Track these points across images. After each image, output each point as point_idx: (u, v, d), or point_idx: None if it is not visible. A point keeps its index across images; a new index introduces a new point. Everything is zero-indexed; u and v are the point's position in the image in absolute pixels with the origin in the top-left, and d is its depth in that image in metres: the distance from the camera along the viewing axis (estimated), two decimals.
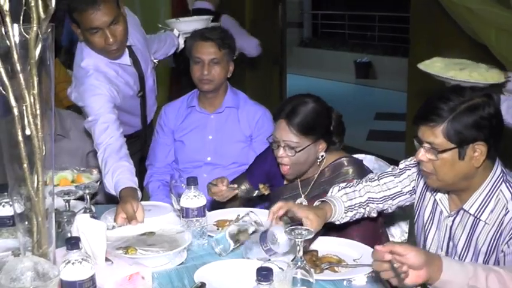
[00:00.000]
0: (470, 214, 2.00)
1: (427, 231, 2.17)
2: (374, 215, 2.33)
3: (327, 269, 2.05)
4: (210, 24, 3.72)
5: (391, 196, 2.28)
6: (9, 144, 1.67)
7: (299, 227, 1.79)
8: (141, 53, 3.21)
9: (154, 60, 3.49)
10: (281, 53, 7.48)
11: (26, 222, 1.72)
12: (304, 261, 1.78)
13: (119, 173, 2.57)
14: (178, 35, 3.69)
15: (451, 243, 2.09)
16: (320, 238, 2.21)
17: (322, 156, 2.56)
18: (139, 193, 2.54)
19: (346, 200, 2.25)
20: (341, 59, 14.25)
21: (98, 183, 2.71)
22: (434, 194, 2.14)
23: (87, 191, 2.35)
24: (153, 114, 3.56)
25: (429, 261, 1.70)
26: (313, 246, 2.17)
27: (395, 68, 11.22)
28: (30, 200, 1.68)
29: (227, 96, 3.16)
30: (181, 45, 3.70)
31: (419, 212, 2.22)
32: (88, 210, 2.34)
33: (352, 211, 2.26)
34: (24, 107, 1.61)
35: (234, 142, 3.14)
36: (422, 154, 1.95)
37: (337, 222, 2.25)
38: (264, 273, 1.53)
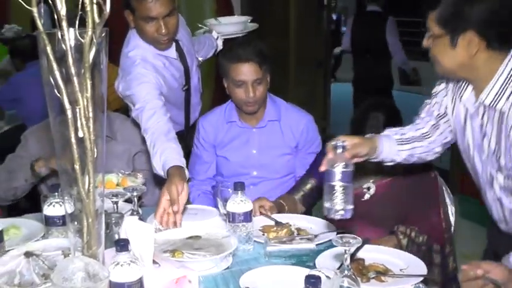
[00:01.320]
0: (486, 105, 2.03)
1: (468, 146, 2.20)
2: (434, 155, 2.37)
3: (373, 278, 2.03)
4: (246, 29, 3.71)
5: (435, 126, 2.31)
6: (62, 145, 1.70)
7: (347, 234, 1.78)
8: (186, 49, 3.26)
9: (200, 58, 3.54)
10: (325, 57, 7.45)
11: (76, 223, 1.74)
12: (351, 270, 1.76)
13: (167, 153, 2.58)
14: (217, 37, 3.70)
15: (485, 142, 2.11)
16: (366, 247, 2.19)
17: None
18: (186, 172, 2.53)
19: (394, 134, 2.31)
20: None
21: (143, 186, 2.73)
22: (460, 95, 2.18)
23: (134, 193, 2.37)
24: (197, 114, 3.56)
25: None
26: (360, 254, 2.15)
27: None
28: (81, 201, 1.70)
29: (268, 108, 3.07)
30: (220, 47, 3.69)
31: (457, 130, 2.25)
32: (135, 213, 2.37)
33: (407, 143, 2.29)
34: (77, 110, 1.64)
35: (279, 155, 3.08)
36: (425, 40, 2.06)
37: (393, 161, 2.31)
38: (312, 281, 1.53)
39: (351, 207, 2.00)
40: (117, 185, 2.86)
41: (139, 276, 1.68)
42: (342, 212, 1.99)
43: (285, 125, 3.08)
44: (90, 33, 1.59)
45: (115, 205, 2.29)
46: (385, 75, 6.78)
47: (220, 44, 3.70)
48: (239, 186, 2.27)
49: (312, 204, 2.94)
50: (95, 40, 1.62)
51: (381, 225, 2.64)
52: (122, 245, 1.67)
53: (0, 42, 7.25)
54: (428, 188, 2.71)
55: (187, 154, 3.44)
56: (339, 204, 1.98)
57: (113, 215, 2.22)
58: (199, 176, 3.20)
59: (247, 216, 2.26)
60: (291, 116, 3.11)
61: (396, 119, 2.72)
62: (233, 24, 3.76)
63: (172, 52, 3.17)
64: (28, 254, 1.95)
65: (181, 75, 3.26)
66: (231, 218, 2.27)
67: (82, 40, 1.60)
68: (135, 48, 3.04)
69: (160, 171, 2.59)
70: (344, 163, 1.98)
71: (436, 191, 2.72)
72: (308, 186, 2.85)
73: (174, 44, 3.15)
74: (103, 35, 1.64)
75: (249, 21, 3.81)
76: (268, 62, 2.94)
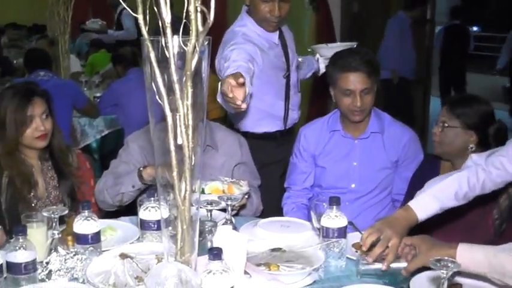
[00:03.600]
0: None
1: None
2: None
3: None
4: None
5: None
6: (161, 152, 1.72)
7: (445, 258, 1.70)
8: (289, 43, 3.49)
9: (299, 59, 3.63)
10: (426, 73, 7.29)
11: (171, 228, 1.76)
12: None
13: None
14: (318, 59, 3.74)
15: None
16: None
17: (471, 147, 2.63)
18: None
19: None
20: (487, 83, 13.55)
21: (244, 196, 2.73)
22: None
23: (229, 202, 2.37)
24: (296, 116, 3.61)
25: None
26: (458, 280, 2.06)
27: None
28: (176, 207, 1.72)
29: (372, 120, 3.04)
30: (322, 70, 3.71)
31: None
32: (229, 222, 2.36)
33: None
34: (177, 117, 1.66)
35: (380, 169, 3.03)
36: None
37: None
38: None
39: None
40: (224, 192, 2.86)
41: (231, 285, 1.67)
42: None
43: (387, 138, 3.04)
44: (193, 41, 1.61)
45: (209, 213, 2.30)
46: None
47: (322, 67, 3.73)
48: (334, 201, 2.24)
49: None
50: (197, 48, 1.63)
51: None
52: (216, 253, 1.68)
53: (104, 50, 7.53)
54: None
55: (281, 160, 3.46)
56: None
57: (206, 222, 2.23)
58: (296, 186, 3.19)
59: (342, 232, 2.22)
60: (395, 130, 3.07)
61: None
62: (340, 48, 3.74)
63: (275, 37, 3.41)
64: (123, 256, 2.00)
65: (283, 62, 3.45)
66: (324, 233, 2.23)
67: (185, 48, 1.62)
68: (243, 26, 3.33)
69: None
70: None
71: None
72: None
73: (278, 31, 3.40)
74: (206, 43, 1.66)
75: (355, 46, 3.80)
76: (377, 72, 2.95)
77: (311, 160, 3.14)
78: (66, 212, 2.18)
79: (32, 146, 2.81)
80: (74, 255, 2.01)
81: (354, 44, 3.74)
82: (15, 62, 6.99)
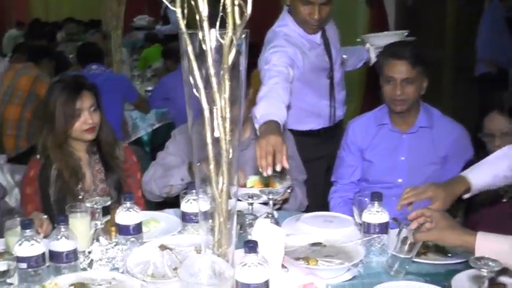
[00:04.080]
0: None
1: None
2: None
3: None
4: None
5: None
6: (198, 145, 1.73)
7: (486, 256, 1.66)
8: (332, 41, 3.42)
9: (344, 56, 3.60)
10: None
11: (210, 221, 1.77)
12: None
13: (272, 109, 2.64)
14: (368, 49, 3.68)
15: None
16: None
17: None
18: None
19: None
20: None
21: (288, 190, 2.73)
22: None
23: (270, 196, 2.36)
24: (341, 113, 3.59)
25: None
26: (502, 279, 2.01)
27: None
28: (214, 200, 1.73)
29: (420, 115, 3.00)
30: (373, 60, 3.67)
31: None
32: (270, 216, 2.36)
33: None
34: (214, 110, 1.67)
35: (427, 164, 2.98)
36: None
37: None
38: None
39: None
40: (266, 185, 2.86)
41: (266, 279, 1.67)
42: None
43: (436, 133, 3.00)
44: (230, 34, 1.61)
45: (250, 206, 2.30)
46: None
47: (373, 57, 3.70)
48: (376, 197, 2.21)
49: None
50: (234, 41, 1.64)
51: None
52: (251, 246, 1.67)
53: (158, 44, 7.61)
54: None
55: (325, 156, 3.44)
56: None
57: (247, 216, 2.23)
58: (343, 179, 3.18)
59: (383, 228, 2.19)
60: (444, 125, 3.03)
61: None
62: (389, 36, 3.70)
63: (317, 38, 3.34)
64: (163, 247, 2.02)
65: (326, 61, 3.38)
66: (365, 228, 2.21)
67: (222, 41, 1.62)
68: (284, 26, 3.28)
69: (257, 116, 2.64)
70: None
71: None
72: None
73: (320, 31, 3.34)
74: (243, 36, 1.66)
75: (406, 34, 3.74)
76: (424, 65, 2.92)
77: (358, 154, 3.13)
78: (109, 203, 2.21)
79: (80, 139, 2.86)
80: (115, 245, 2.04)
81: (405, 32, 3.70)
82: (70, 56, 7.13)
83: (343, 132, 3.27)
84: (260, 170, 2.37)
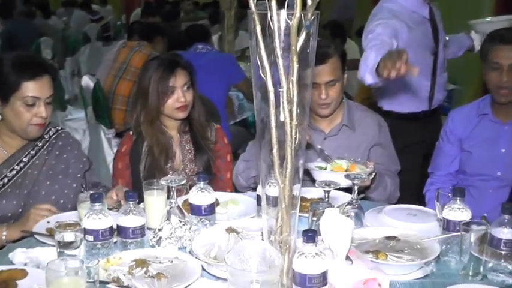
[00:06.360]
0: None
1: None
2: None
3: None
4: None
5: None
6: (261, 128, 1.69)
7: None
8: (438, 18, 3.49)
9: (446, 37, 3.59)
10: None
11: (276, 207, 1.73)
12: None
13: None
14: (473, 37, 3.57)
15: None
16: None
17: None
18: None
19: None
20: None
21: (369, 177, 2.64)
22: None
23: (355, 181, 2.27)
24: (441, 97, 3.57)
25: None
26: None
27: None
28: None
29: None
30: (477, 48, 3.59)
31: None
32: (354, 201, 2.27)
33: None
34: (280, 93, 1.62)
35: None
36: None
37: None
38: None
39: None
40: (346, 170, 2.80)
41: (323, 270, 1.62)
42: None
43: None
44: (297, 15, 1.55)
45: (326, 194, 2.22)
46: None
47: (477, 45, 3.61)
48: (458, 193, 2.08)
49: None
50: (304, 23, 1.58)
51: None
52: (309, 236, 1.62)
53: None
54: None
55: (423, 141, 3.37)
56: None
57: (321, 204, 2.16)
58: (440, 170, 3.08)
59: (464, 226, 2.04)
60: None
61: None
62: (498, 23, 3.51)
63: (426, 11, 3.43)
64: (230, 230, 2.01)
65: (431, 40, 3.42)
66: (445, 225, 2.09)
67: (290, 22, 1.57)
68: (393, 2, 3.36)
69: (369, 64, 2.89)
70: None
71: None
72: None
73: (427, 6, 3.43)
74: (312, 18, 1.59)
75: None
76: None
77: (457, 143, 3.01)
78: (184, 182, 2.21)
79: (173, 117, 2.89)
80: (184, 224, 2.05)
81: None
82: None
83: (442, 118, 3.17)
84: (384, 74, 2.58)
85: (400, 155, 3.09)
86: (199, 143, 2.96)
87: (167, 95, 2.83)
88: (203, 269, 1.88)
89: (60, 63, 8.52)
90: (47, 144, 2.61)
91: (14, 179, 2.49)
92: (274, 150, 1.65)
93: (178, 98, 2.84)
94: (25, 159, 2.53)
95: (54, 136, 2.66)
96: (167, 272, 1.79)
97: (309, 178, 2.65)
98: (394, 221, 2.32)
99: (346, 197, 2.42)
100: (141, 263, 1.80)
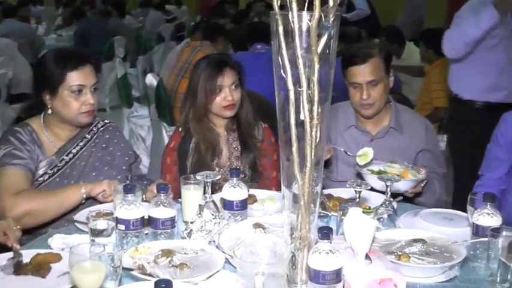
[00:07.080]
0: None
1: None
2: None
3: None
4: None
5: None
6: (283, 126, 1.73)
7: None
8: None
9: None
10: None
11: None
12: None
13: None
14: None
15: None
16: None
17: None
18: None
19: None
20: None
21: (420, 184, 2.63)
22: None
23: (388, 183, 2.27)
24: None
25: None
26: None
27: None
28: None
29: None
30: None
31: None
32: (387, 203, 2.27)
33: None
34: (300, 92, 1.66)
35: None
36: None
37: None
38: None
39: None
40: (398, 175, 2.77)
41: (337, 267, 1.64)
42: None
43: None
44: (316, 15, 1.59)
45: (357, 194, 2.23)
46: None
47: None
48: (488, 198, 2.06)
49: None
50: (324, 24, 1.61)
51: None
52: (325, 233, 1.66)
53: None
54: None
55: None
56: None
57: (349, 203, 2.18)
58: (489, 173, 3.01)
59: (494, 232, 2.01)
60: None
61: None
62: None
63: None
64: (257, 226, 2.06)
65: None
66: (474, 230, 2.07)
67: (309, 24, 1.60)
68: None
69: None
70: None
71: None
72: None
73: None
74: (332, 19, 1.62)
75: None
76: None
77: (509, 147, 2.92)
78: (219, 177, 2.27)
79: (220, 115, 2.96)
80: (214, 218, 2.10)
81: None
82: None
83: None
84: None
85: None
86: (246, 141, 3.01)
87: (215, 94, 2.90)
88: (228, 262, 1.93)
89: (132, 62, 8.74)
90: (95, 137, 2.73)
91: (63, 169, 2.61)
92: (294, 148, 1.69)
93: (225, 96, 2.90)
94: (74, 150, 2.65)
95: (102, 129, 2.77)
96: (190, 262, 1.85)
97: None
98: (427, 224, 2.31)
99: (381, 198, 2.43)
100: (167, 252, 1.87)
